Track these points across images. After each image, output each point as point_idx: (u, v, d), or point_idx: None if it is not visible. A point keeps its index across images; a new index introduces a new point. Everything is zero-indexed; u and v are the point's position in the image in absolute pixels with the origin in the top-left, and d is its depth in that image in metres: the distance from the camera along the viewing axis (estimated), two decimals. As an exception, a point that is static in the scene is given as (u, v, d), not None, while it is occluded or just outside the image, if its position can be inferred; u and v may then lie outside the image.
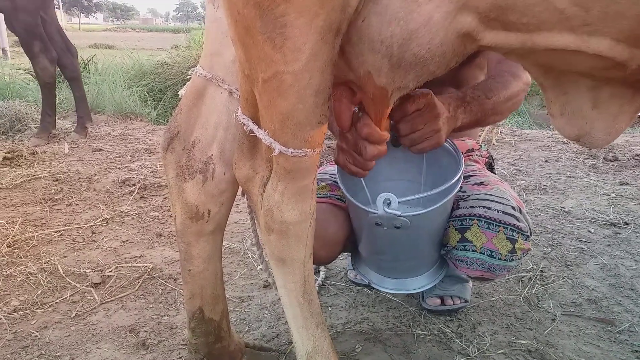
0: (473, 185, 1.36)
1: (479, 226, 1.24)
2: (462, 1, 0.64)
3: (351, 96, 0.89)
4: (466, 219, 1.26)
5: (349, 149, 1.07)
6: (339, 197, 1.40)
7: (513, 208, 1.25)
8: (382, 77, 0.76)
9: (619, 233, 2.28)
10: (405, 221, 1.11)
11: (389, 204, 1.09)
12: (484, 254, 1.23)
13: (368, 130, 0.97)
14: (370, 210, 1.14)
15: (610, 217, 2.47)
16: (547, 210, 2.57)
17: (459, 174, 1.17)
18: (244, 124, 0.88)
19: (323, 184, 1.45)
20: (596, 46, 0.60)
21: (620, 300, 1.69)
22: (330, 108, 1.07)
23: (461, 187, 1.27)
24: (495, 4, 0.62)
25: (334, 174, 1.45)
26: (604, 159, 3.59)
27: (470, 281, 1.68)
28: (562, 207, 2.61)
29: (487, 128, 4.18)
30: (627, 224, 2.38)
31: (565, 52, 0.62)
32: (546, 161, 3.62)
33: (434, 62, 0.71)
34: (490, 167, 1.62)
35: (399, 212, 1.09)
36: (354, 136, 1.03)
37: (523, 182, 3.08)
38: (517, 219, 1.24)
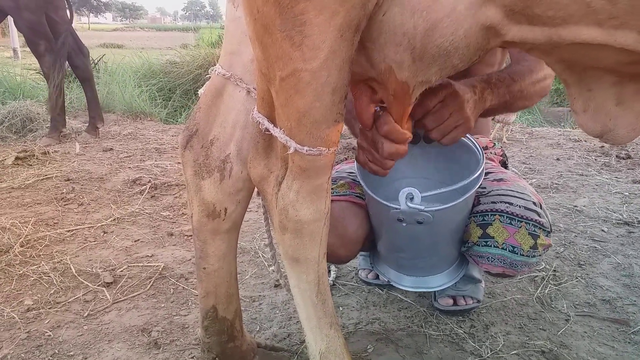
0: (492, 181, 1.35)
1: (500, 222, 1.23)
2: None
3: (372, 94, 0.88)
4: (488, 215, 1.26)
5: (368, 147, 1.07)
6: (358, 194, 1.39)
7: (534, 203, 1.25)
8: (404, 71, 0.75)
9: (633, 232, 2.25)
10: (427, 216, 1.11)
11: (411, 199, 1.09)
12: (506, 249, 1.23)
13: (388, 128, 0.95)
14: (392, 205, 1.13)
15: (624, 215, 2.44)
16: (559, 209, 2.54)
17: (481, 169, 1.16)
18: (260, 123, 0.88)
19: (342, 182, 1.44)
20: (623, 40, 0.59)
21: (634, 301, 1.67)
22: (350, 108, 1.05)
23: (481, 184, 1.27)
24: None
25: (353, 172, 1.45)
26: (616, 156, 3.55)
27: (483, 281, 1.66)
28: (575, 206, 2.59)
29: (497, 126, 4.15)
30: (641, 223, 2.35)
31: (591, 47, 0.61)
32: (558, 159, 3.59)
33: (457, 54, 0.70)
34: (504, 165, 1.61)
35: (422, 207, 1.08)
36: (374, 134, 1.02)
37: (534, 180, 3.05)
38: (539, 215, 1.23)
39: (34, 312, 1.58)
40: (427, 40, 0.69)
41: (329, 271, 1.85)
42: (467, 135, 1.25)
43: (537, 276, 1.84)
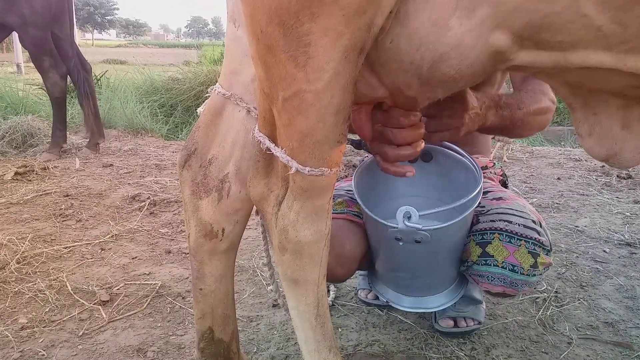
0: (492, 200, 1.35)
1: (500, 240, 1.22)
2: (495, 23, 0.63)
3: (371, 109, 0.90)
4: (487, 233, 1.25)
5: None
6: (355, 213, 1.38)
7: (534, 222, 1.24)
8: (412, 91, 0.76)
9: (635, 253, 2.23)
10: (425, 235, 1.09)
11: (409, 218, 1.07)
12: (505, 268, 1.22)
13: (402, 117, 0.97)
14: (390, 224, 1.11)
15: (626, 236, 2.42)
16: (560, 229, 2.53)
17: (479, 187, 1.15)
18: (261, 142, 0.87)
19: (339, 199, 1.43)
20: (633, 64, 0.59)
21: (638, 323, 1.65)
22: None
23: (479, 203, 1.26)
24: (530, 23, 0.61)
25: (351, 190, 1.44)
26: (617, 176, 3.55)
27: (484, 302, 1.64)
28: (576, 226, 2.57)
29: (497, 145, 4.15)
30: (643, 245, 2.33)
31: (600, 71, 0.61)
32: (558, 179, 3.58)
33: (463, 80, 0.71)
34: (504, 185, 1.61)
35: (419, 226, 1.07)
36: (384, 129, 1.01)
37: (535, 199, 3.04)
38: (539, 233, 1.22)
39: (28, 330, 1.55)
40: (433, 70, 0.69)
41: (328, 291, 1.83)
42: (466, 154, 1.25)
43: (538, 297, 1.82)
